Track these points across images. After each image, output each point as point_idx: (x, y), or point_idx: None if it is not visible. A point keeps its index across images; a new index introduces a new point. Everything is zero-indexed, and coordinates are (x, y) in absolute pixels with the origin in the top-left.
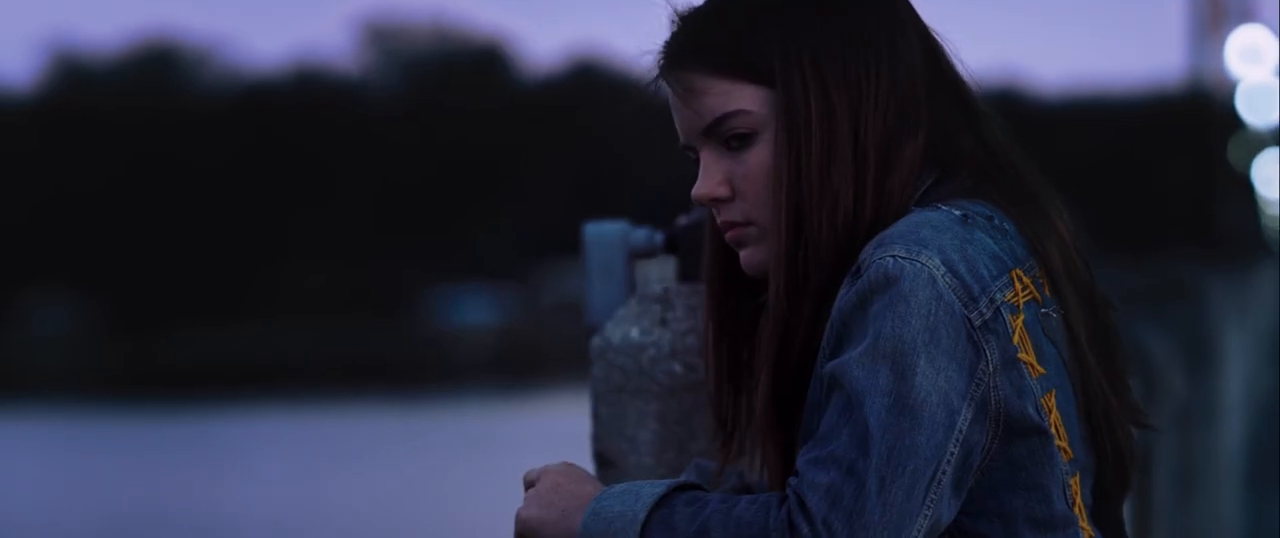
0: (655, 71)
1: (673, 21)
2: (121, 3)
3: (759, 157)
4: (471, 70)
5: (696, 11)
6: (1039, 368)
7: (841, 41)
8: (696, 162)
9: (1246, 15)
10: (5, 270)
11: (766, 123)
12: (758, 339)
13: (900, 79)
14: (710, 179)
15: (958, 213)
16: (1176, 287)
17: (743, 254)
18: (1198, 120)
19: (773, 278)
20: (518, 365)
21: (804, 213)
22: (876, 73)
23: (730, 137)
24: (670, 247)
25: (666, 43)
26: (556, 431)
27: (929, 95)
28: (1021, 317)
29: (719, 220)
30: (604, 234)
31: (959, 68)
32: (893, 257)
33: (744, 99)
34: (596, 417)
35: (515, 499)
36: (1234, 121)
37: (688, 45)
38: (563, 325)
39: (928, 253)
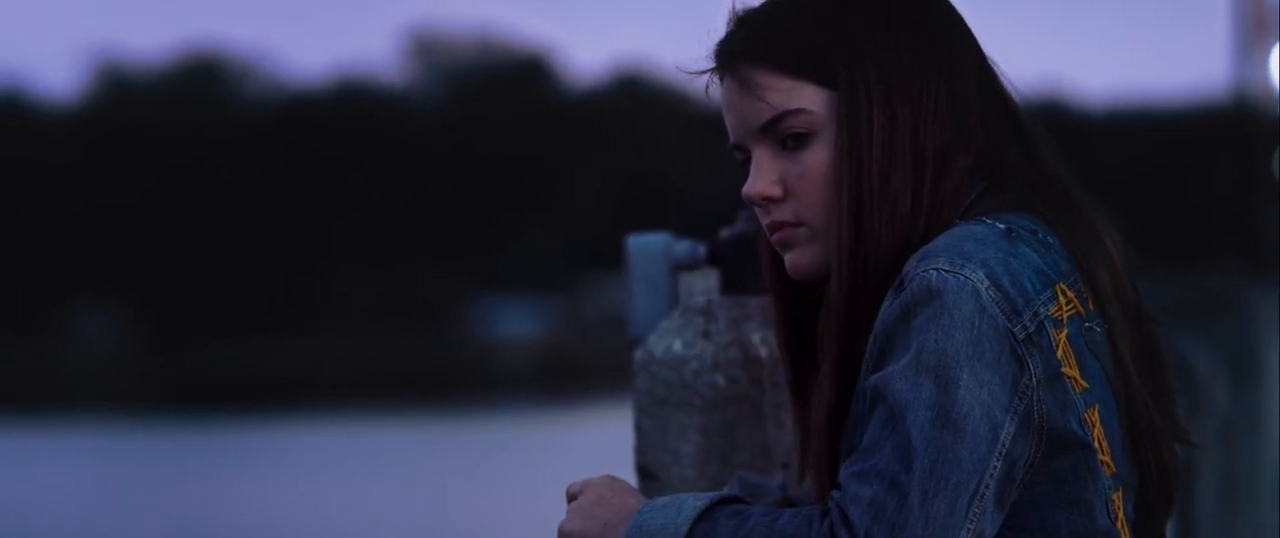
0: (710, 68)
1: (730, 21)
2: (165, 14)
3: (817, 158)
4: (515, 81)
5: (759, 11)
6: (1083, 382)
7: (906, 49)
8: (744, 163)
9: None
10: (49, 281)
11: (826, 124)
12: (819, 341)
13: (958, 91)
14: (763, 177)
15: (1001, 226)
16: (1219, 300)
17: (789, 257)
18: (1241, 132)
19: (835, 280)
20: (560, 377)
21: (863, 215)
22: (937, 82)
23: (787, 135)
24: (713, 259)
25: (724, 39)
26: (599, 443)
27: (982, 109)
28: (1065, 331)
29: (767, 221)
30: (647, 246)
31: (1008, 86)
32: (936, 270)
33: (806, 98)
34: (639, 429)
35: (558, 512)
36: (1277, 134)
37: (751, 42)
38: (606, 337)
39: (971, 266)
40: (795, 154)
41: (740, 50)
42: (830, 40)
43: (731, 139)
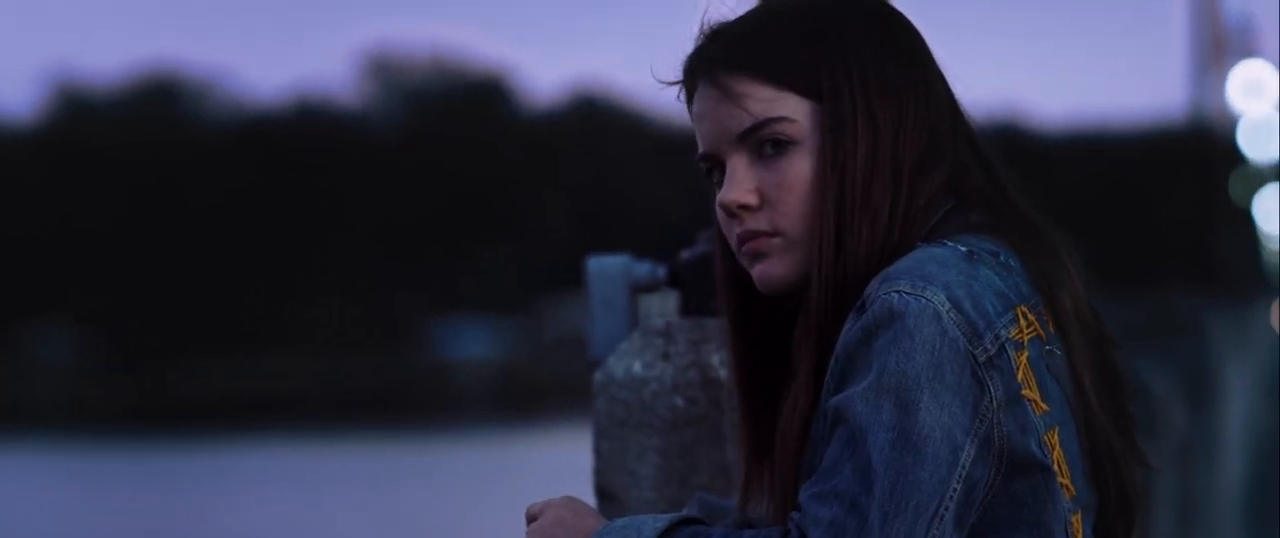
0: (681, 79)
1: (703, 32)
2: (123, 35)
3: (797, 167)
4: (473, 102)
5: (737, 23)
6: (1043, 405)
7: (887, 64)
8: (709, 173)
9: (1248, 50)
10: (7, 302)
11: (806, 135)
12: (795, 352)
13: (933, 107)
14: (739, 186)
15: (963, 249)
16: (1177, 321)
17: (759, 268)
18: (1199, 155)
19: (816, 290)
20: (520, 399)
21: (845, 226)
22: (914, 97)
23: (766, 142)
24: (673, 281)
25: (699, 49)
26: (558, 464)
27: (951, 130)
28: (1026, 353)
29: (740, 230)
30: (606, 268)
31: (967, 113)
32: (898, 292)
33: (788, 108)
34: (598, 451)
35: (518, 533)
36: (1235, 156)
37: (732, 51)
38: (565, 359)
39: (933, 289)
40: (773, 163)
41: (720, 58)
42: (814, 52)
43: (702, 148)
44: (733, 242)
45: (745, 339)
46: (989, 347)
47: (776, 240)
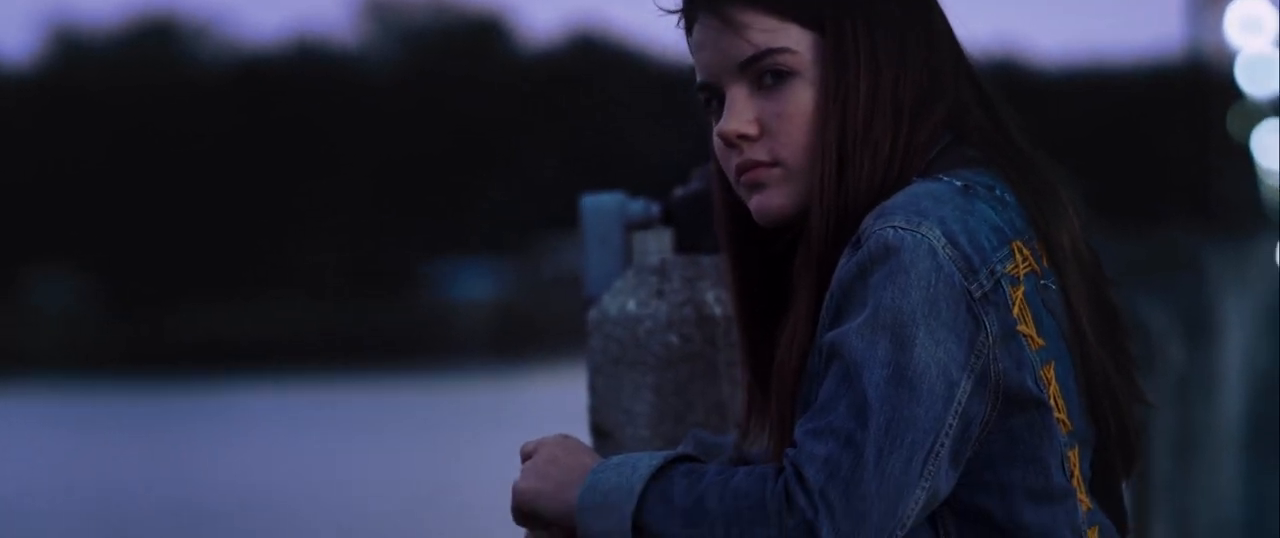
0: (682, 7)
1: None
2: None
3: (798, 99)
4: (470, 42)
5: None
6: (1038, 340)
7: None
8: (707, 103)
9: None
10: (5, 248)
11: (808, 67)
12: (794, 285)
13: (935, 44)
14: (739, 116)
15: (958, 184)
16: (1175, 258)
17: (757, 199)
18: (1197, 91)
19: (816, 220)
20: (517, 339)
21: (846, 159)
22: (916, 32)
23: (766, 73)
24: (667, 218)
25: None
26: (555, 403)
27: (952, 67)
28: (1021, 289)
29: (738, 160)
30: (601, 206)
31: (966, 48)
32: (893, 227)
33: (791, 39)
34: (593, 389)
35: (513, 472)
36: (1233, 92)
37: None
38: (562, 299)
39: (928, 224)
40: (774, 93)
41: None
42: None
43: (701, 77)
44: (731, 172)
45: (743, 272)
46: (984, 282)
47: (776, 170)
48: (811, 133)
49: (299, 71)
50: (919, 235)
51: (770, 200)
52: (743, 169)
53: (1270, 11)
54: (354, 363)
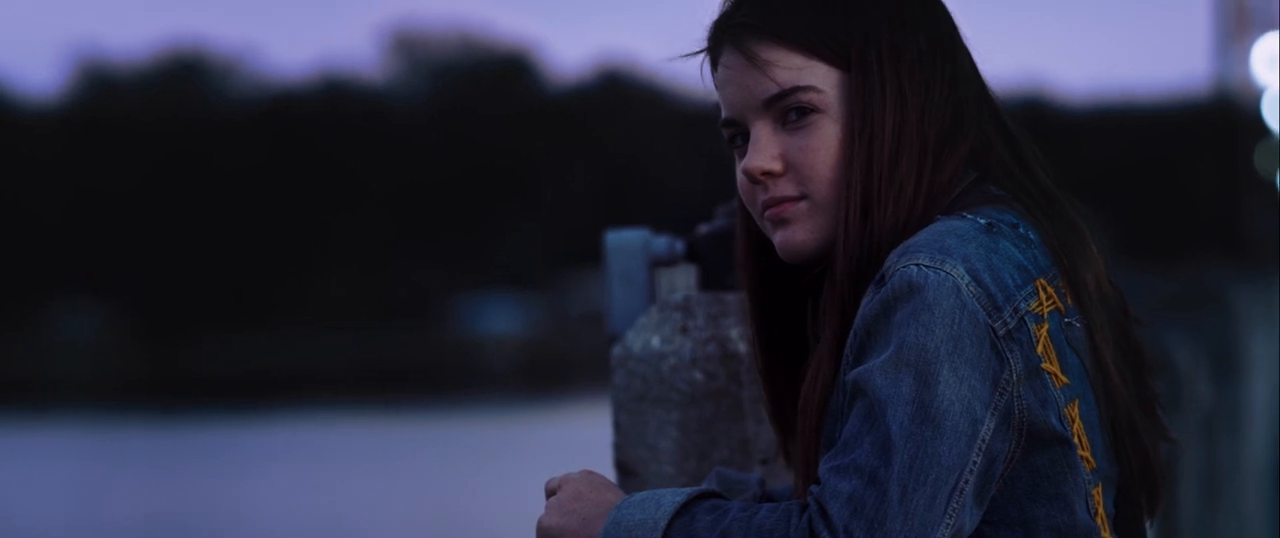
0: (707, 46)
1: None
2: (148, 11)
3: (824, 136)
4: (497, 78)
5: None
6: (1063, 378)
7: (918, 35)
8: (732, 140)
9: (1272, 23)
10: (33, 278)
11: (833, 104)
12: (819, 322)
13: (959, 80)
14: (764, 153)
15: (982, 222)
16: (1202, 294)
17: (782, 234)
18: (1223, 127)
19: (840, 260)
20: (543, 374)
21: (871, 198)
22: (941, 69)
23: (792, 110)
24: (691, 255)
25: (726, 14)
26: (580, 439)
27: (976, 104)
28: (1046, 326)
29: (765, 197)
30: (625, 242)
31: (990, 85)
32: (917, 265)
33: (817, 77)
34: (618, 425)
35: (537, 507)
36: (1259, 129)
37: (760, 16)
38: (588, 334)
39: (952, 262)
40: (799, 130)
41: (748, 23)
42: (843, 21)
43: (726, 114)
44: (755, 209)
45: (766, 311)
46: (1008, 320)
47: (802, 205)
48: (837, 170)
49: (327, 106)
50: (943, 273)
51: (795, 236)
52: (768, 205)
53: None
54: (379, 396)
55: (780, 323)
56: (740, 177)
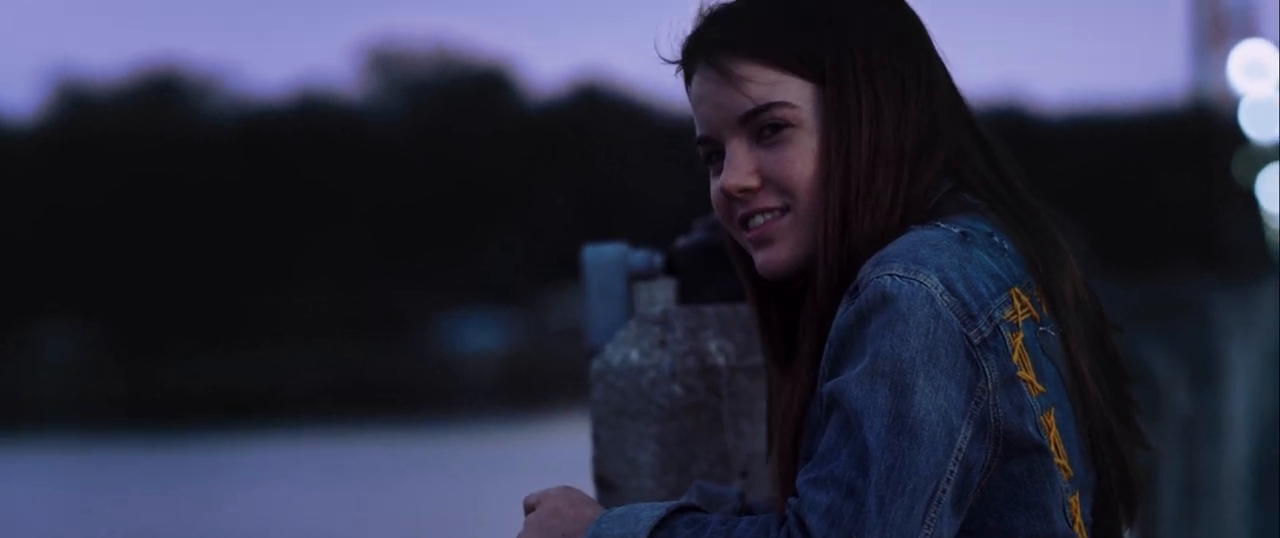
0: (680, 60)
1: (702, 15)
2: (125, 31)
3: (800, 150)
4: (475, 94)
5: (737, 5)
6: (1038, 386)
7: (891, 46)
8: (708, 157)
9: (1249, 30)
10: (11, 299)
11: (808, 119)
12: (801, 333)
13: (934, 91)
14: (740, 170)
15: (956, 231)
16: (1180, 303)
17: (763, 254)
18: (1201, 136)
19: (821, 272)
20: (522, 390)
21: (850, 211)
22: (916, 81)
23: (767, 126)
24: (670, 268)
25: (698, 32)
26: (564, 455)
27: (950, 114)
28: (1021, 335)
29: (742, 212)
30: (603, 256)
31: (964, 95)
32: (891, 275)
33: (790, 92)
34: (597, 440)
35: (516, 524)
36: (1237, 137)
37: (733, 33)
38: (567, 350)
39: (925, 272)
40: (773, 147)
41: (721, 40)
42: (816, 35)
43: (701, 132)
44: (732, 225)
45: (768, 322)
46: (983, 328)
47: (785, 219)
48: (815, 182)
49: (304, 124)
50: (917, 283)
51: (777, 255)
52: (745, 220)
53: (1274, 56)
54: (358, 414)
55: (783, 334)
56: (716, 193)
